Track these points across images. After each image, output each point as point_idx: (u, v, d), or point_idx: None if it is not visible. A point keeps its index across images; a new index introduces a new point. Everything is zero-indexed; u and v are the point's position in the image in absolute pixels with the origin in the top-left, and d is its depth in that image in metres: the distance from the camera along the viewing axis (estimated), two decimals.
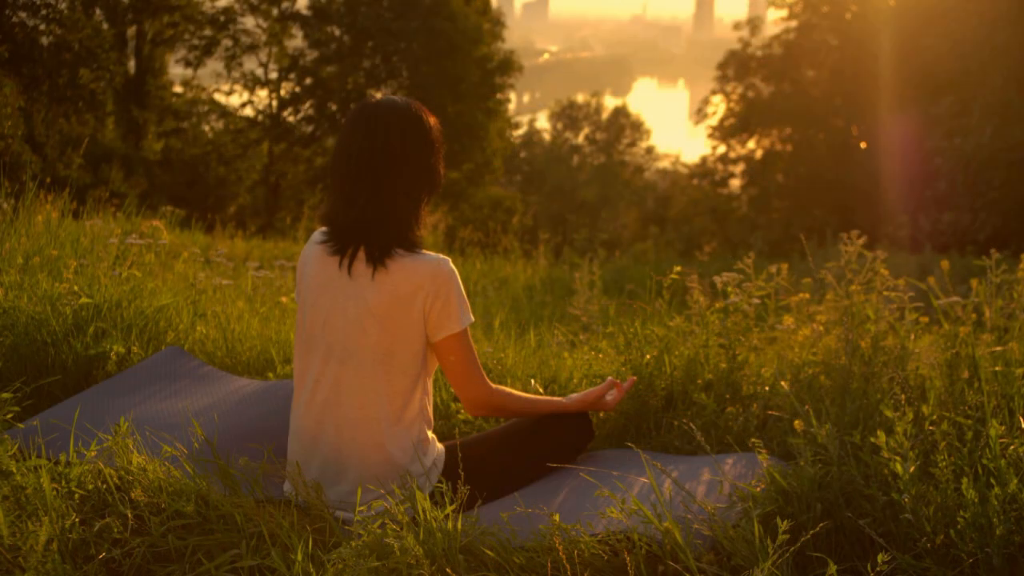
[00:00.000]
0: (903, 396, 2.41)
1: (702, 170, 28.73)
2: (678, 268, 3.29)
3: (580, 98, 43.02)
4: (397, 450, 2.29)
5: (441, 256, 2.30)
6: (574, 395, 2.63)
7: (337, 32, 26.69)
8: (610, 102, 45.96)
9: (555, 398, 2.61)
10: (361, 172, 2.25)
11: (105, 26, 21.94)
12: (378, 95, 2.36)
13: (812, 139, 25.37)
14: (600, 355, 3.37)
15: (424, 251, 2.30)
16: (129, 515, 2.03)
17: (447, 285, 2.27)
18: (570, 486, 2.42)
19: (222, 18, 25.88)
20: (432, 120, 2.34)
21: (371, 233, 2.26)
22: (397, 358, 2.28)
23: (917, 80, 21.52)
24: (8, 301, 3.26)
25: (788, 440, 2.38)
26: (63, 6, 19.51)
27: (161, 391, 2.93)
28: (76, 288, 3.34)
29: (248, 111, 27.32)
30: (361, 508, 2.10)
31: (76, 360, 3.11)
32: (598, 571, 1.91)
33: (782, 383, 2.85)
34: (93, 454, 2.23)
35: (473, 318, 2.34)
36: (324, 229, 2.35)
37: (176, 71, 26.75)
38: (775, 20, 27.04)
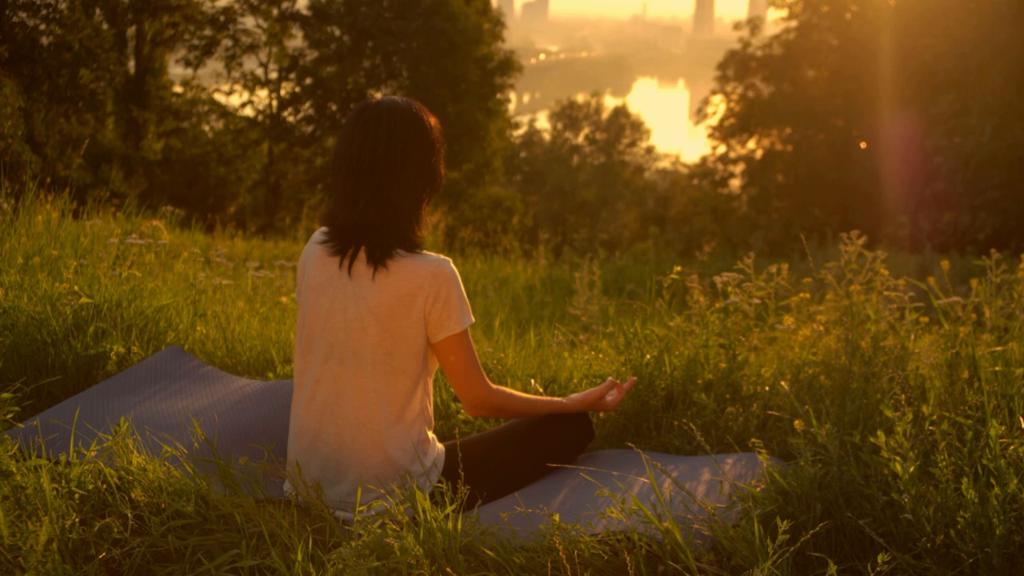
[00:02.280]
0: (903, 396, 2.41)
1: (702, 170, 28.74)
2: (678, 268, 3.29)
3: (580, 98, 43.04)
4: (397, 450, 2.29)
5: (442, 256, 2.30)
6: (574, 395, 2.63)
7: (337, 32, 26.69)
8: (610, 102, 45.96)
9: (555, 398, 2.61)
10: (362, 173, 2.25)
11: (105, 26, 21.91)
12: (379, 95, 2.36)
13: (812, 139, 25.37)
14: (600, 355, 3.37)
15: (425, 251, 2.30)
16: (129, 515, 2.03)
17: (447, 286, 2.27)
18: (570, 486, 2.42)
19: (222, 18, 25.87)
20: (432, 120, 2.34)
21: (372, 233, 2.26)
22: (397, 358, 2.28)
23: (917, 80, 21.52)
24: (8, 301, 3.25)
25: (788, 440, 2.38)
26: (63, 6, 19.49)
27: (161, 391, 2.93)
28: (76, 288, 3.34)
29: (248, 111, 27.33)
30: (361, 508, 2.10)
31: (76, 360, 3.11)
32: (598, 571, 1.91)
33: (782, 383, 2.84)
34: (93, 454, 2.23)
35: (473, 319, 2.34)
36: (325, 229, 2.36)
37: (176, 71, 26.75)
38: (775, 20, 27.04)
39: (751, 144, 27.33)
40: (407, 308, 2.26)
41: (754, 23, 27.35)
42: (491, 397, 2.41)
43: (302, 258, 2.41)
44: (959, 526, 1.91)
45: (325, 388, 2.31)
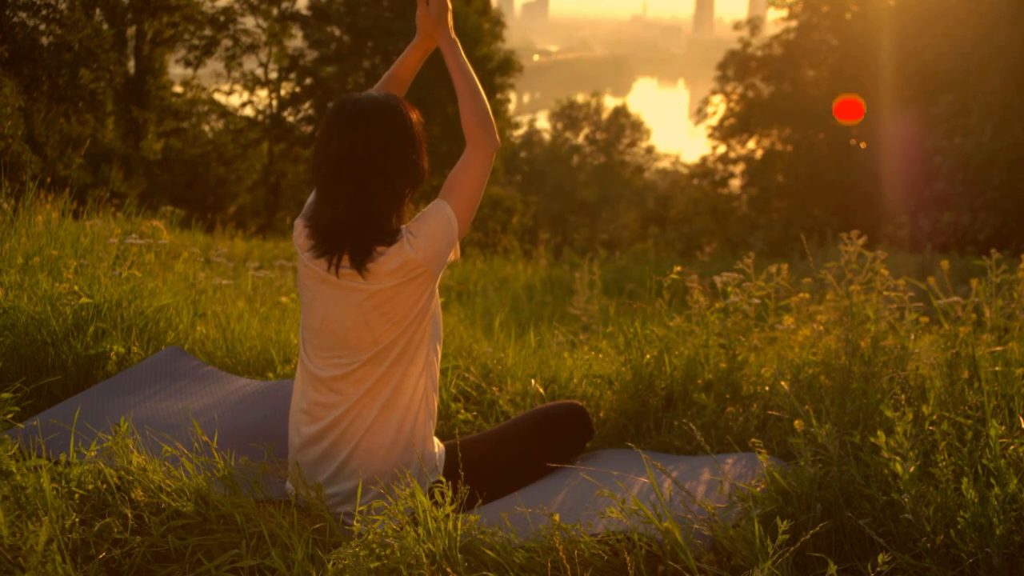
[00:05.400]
0: (903, 396, 2.41)
1: (702, 170, 28.74)
2: (678, 268, 3.29)
3: (580, 98, 43.03)
4: (398, 450, 2.29)
5: (401, 228, 2.26)
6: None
7: (337, 32, 26.70)
8: (610, 102, 45.96)
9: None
10: (341, 173, 2.20)
11: (105, 26, 21.90)
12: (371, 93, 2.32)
13: (812, 139, 25.37)
14: (600, 355, 3.37)
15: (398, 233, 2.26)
16: (129, 515, 2.03)
17: (414, 240, 2.22)
18: (570, 486, 2.42)
19: (222, 18, 25.88)
20: (413, 115, 2.29)
21: (354, 234, 2.22)
22: (397, 356, 2.27)
23: (917, 80, 21.52)
24: (8, 301, 3.25)
25: (788, 440, 2.38)
26: (63, 6, 19.49)
27: (161, 391, 2.93)
28: (76, 288, 3.34)
29: (248, 111, 27.34)
30: (361, 508, 2.10)
31: (76, 360, 3.11)
32: (598, 571, 1.91)
33: (782, 383, 2.84)
34: (93, 454, 2.23)
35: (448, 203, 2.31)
36: (307, 228, 2.32)
37: (176, 71, 26.74)
38: (775, 20, 27.04)
39: (751, 144, 27.33)
40: (402, 296, 2.23)
41: (754, 23, 27.35)
42: (483, 129, 2.38)
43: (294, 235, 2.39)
44: (959, 526, 1.91)
45: (325, 388, 2.30)
